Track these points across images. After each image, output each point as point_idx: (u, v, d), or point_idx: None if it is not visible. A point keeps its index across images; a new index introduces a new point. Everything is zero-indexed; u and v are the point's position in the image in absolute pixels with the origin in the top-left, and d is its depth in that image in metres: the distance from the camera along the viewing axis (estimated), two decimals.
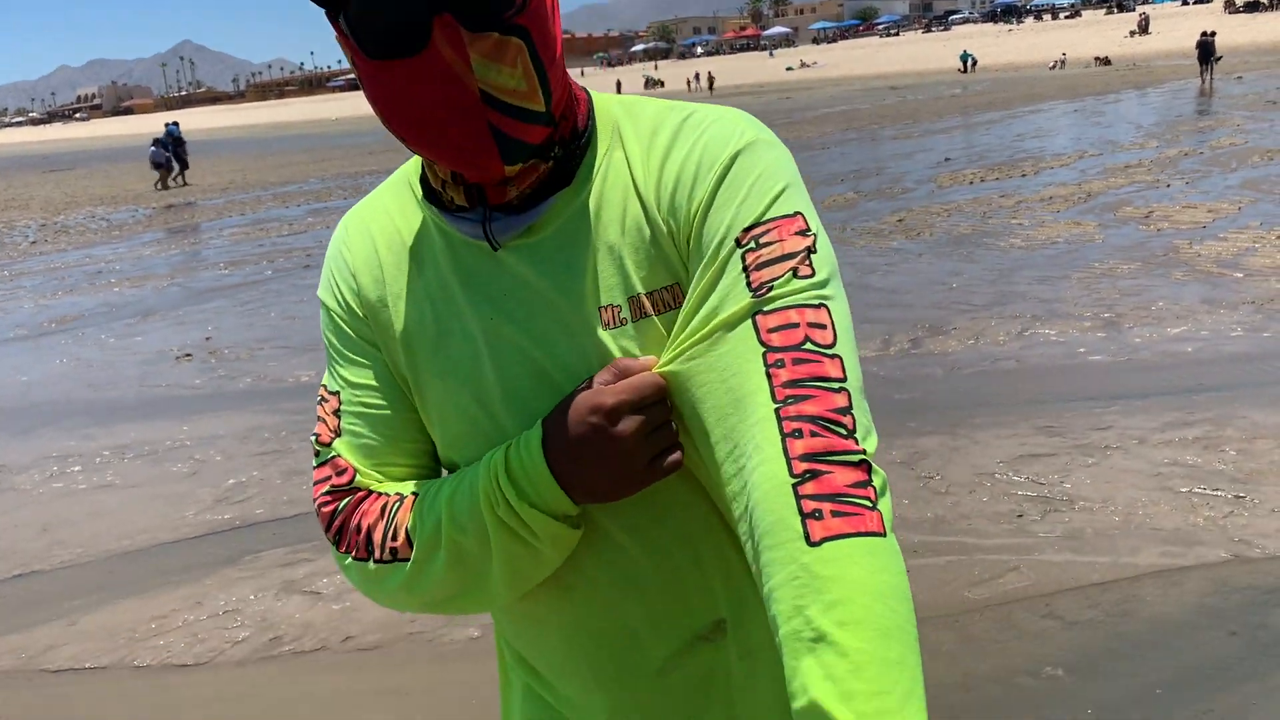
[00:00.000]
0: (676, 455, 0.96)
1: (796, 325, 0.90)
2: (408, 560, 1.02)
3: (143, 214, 20.24)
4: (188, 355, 7.93)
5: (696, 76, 65.83)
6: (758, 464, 0.85)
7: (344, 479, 1.06)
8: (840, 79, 60.32)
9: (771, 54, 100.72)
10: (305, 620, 3.73)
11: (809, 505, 0.81)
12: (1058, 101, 27.92)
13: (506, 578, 1.01)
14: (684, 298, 0.98)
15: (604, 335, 0.99)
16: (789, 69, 74.26)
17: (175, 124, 28.07)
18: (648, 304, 0.99)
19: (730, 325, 0.92)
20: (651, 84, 74.32)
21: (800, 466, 0.83)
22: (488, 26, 0.89)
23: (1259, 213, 9.76)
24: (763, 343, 0.89)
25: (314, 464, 1.10)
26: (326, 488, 1.07)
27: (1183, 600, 3.34)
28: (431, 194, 1.05)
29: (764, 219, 0.94)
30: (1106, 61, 47.63)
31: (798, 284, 0.91)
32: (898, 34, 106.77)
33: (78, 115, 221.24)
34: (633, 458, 0.94)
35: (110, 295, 11.12)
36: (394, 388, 1.08)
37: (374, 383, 1.08)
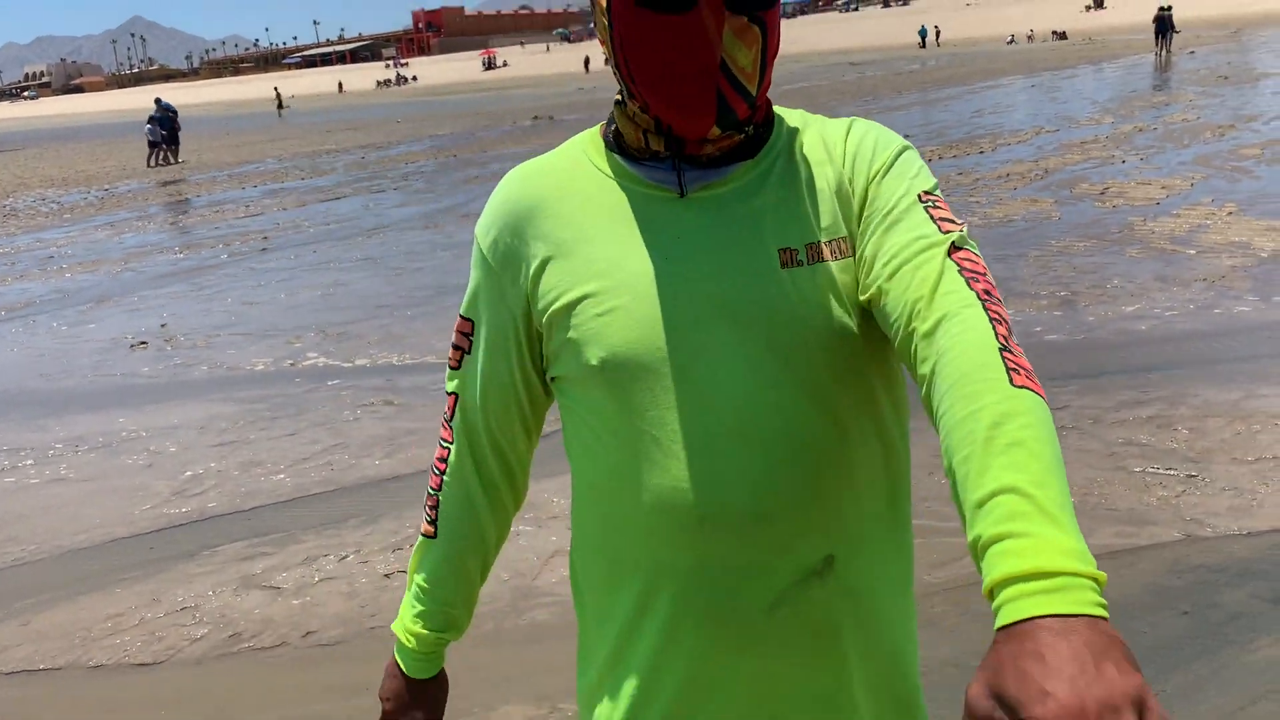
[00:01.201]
0: None
1: (977, 261, 1.06)
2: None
3: (95, 196, 19.87)
4: (143, 343, 7.82)
5: None
6: (966, 328, 0.96)
7: (449, 411, 1.31)
8: (800, 55, 60.29)
9: None
10: (265, 616, 3.69)
11: (1010, 362, 0.92)
12: (1015, 77, 28.09)
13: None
14: (853, 250, 1.13)
15: (781, 273, 1.12)
16: None
17: (159, 99, 27.84)
18: (825, 250, 1.13)
19: (929, 246, 1.05)
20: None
21: (1002, 340, 0.95)
22: (743, 10, 1.07)
23: (1210, 189, 9.91)
24: (958, 264, 1.03)
25: (447, 388, 1.32)
26: (445, 416, 1.32)
27: (1136, 581, 3.40)
28: (618, 148, 1.20)
29: (934, 191, 1.13)
30: (1063, 36, 48.00)
31: (970, 241, 1.08)
32: (857, 9, 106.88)
33: (26, 94, 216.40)
34: None
35: (62, 281, 10.92)
36: (518, 336, 1.23)
37: (505, 324, 1.23)
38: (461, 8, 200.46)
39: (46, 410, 6.38)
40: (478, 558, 1.35)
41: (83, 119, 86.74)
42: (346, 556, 4.07)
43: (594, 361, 1.14)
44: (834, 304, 1.12)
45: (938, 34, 56.81)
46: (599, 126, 1.25)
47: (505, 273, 1.22)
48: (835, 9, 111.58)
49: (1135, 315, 6.22)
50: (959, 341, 0.95)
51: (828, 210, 1.15)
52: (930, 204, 1.10)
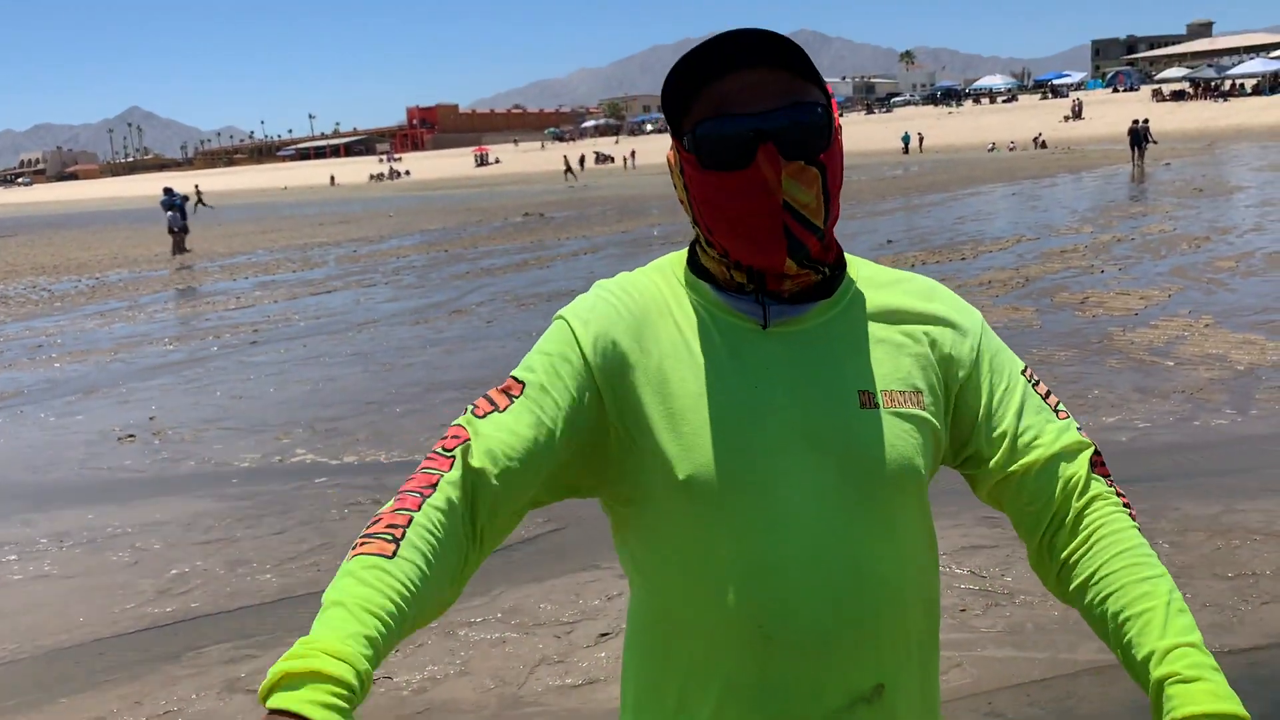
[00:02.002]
0: None
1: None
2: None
3: (86, 285, 19.99)
4: (130, 436, 7.82)
5: (632, 154, 67.07)
6: (1118, 510, 1.24)
7: (453, 443, 1.17)
8: None
9: None
10: None
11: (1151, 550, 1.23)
12: (996, 185, 28.77)
13: None
14: (924, 402, 1.26)
15: (861, 413, 1.23)
16: None
17: (170, 189, 28.06)
18: (900, 398, 1.25)
19: (1062, 432, 1.29)
20: (602, 159, 75.35)
21: (1140, 528, 1.25)
22: (798, 157, 1.19)
23: (1188, 300, 10.13)
24: (1094, 449, 1.29)
25: (458, 422, 1.20)
26: (440, 448, 1.17)
27: (1119, 698, 3.41)
28: (702, 275, 1.30)
29: (1024, 368, 1.34)
30: (1043, 145, 49.33)
31: None
32: (841, 115, 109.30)
33: (20, 180, 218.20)
34: None
35: (51, 370, 10.94)
36: (568, 421, 1.22)
37: (565, 401, 1.22)
38: (455, 105, 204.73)
39: (32, 504, 6.36)
40: (438, 598, 1.10)
41: (76, 206, 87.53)
42: None
43: (680, 477, 1.22)
44: (904, 446, 1.24)
45: (920, 140, 58.27)
46: (684, 252, 1.36)
47: (590, 361, 1.25)
48: None
49: (1116, 426, 6.33)
50: (1119, 521, 1.23)
51: (903, 364, 1.28)
52: (1034, 382, 1.33)
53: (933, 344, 1.30)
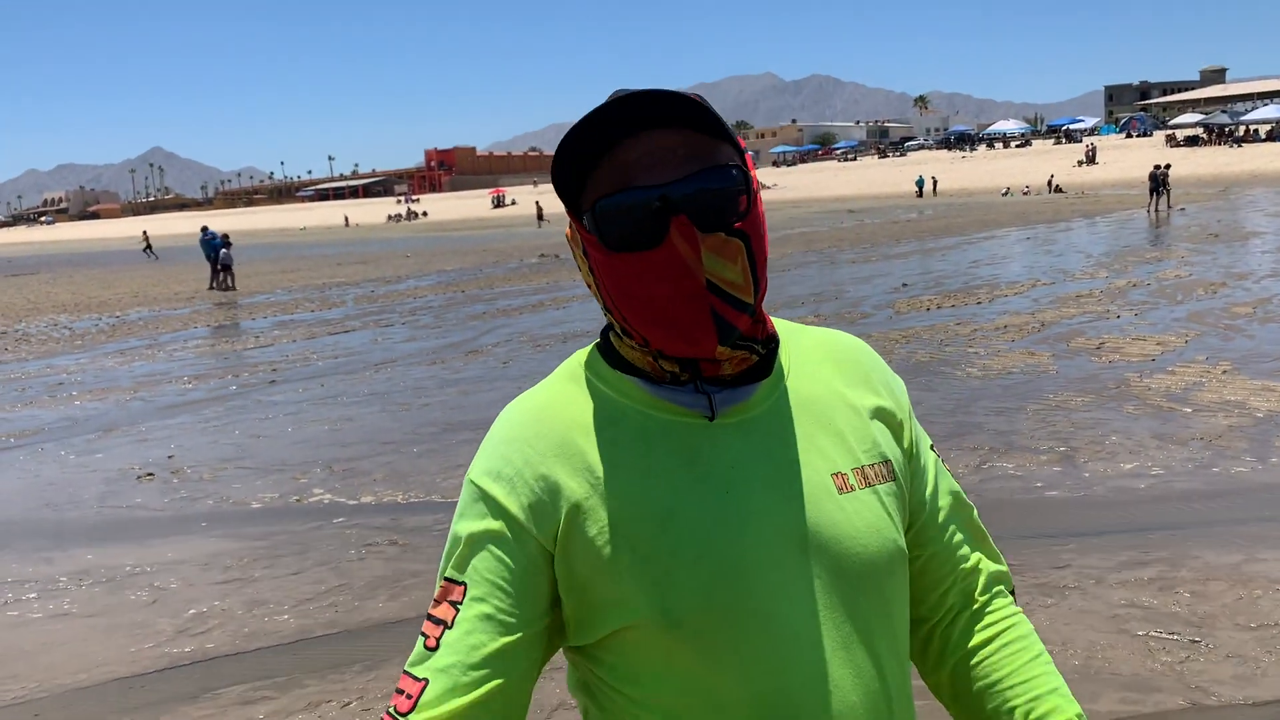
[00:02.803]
0: None
1: None
2: None
3: (106, 323, 20.17)
4: (149, 474, 7.86)
5: None
6: (1022, 618, 1.27)
7: (405, 704, 1.05)
8: (800, 201, 61.91)
9: None
10: None
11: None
12: (1011, 229, 28.80)
13: None
14: (894, 471, 1.18)
15: (841, 499, 1.11)
16: None
17: (207, 227, 28.84)
18: (871, 474, 1.15)
19: (972, 519, 1.29)
20: None
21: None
22: (716, 229, 1.05)
23: (1205, 346, 10.10)
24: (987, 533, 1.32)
25: (413, 673, 1.07)
26: (393, 709, 1.06)
27: None
28: (627, 370, 1.14)
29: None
30: (1059, 189, 49.45)
31: None
32: (855, 159, 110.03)
33: (44, 219, 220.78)
34: None
35: (71, 408, 11.02)
36: (538, 592, 1.08)
37: (520, 580, 1.07)
38: (473, 148, 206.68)
39: (52, 542, 6.39)
40: None
41: (96, 245, 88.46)
42: (349, 703, 4.05)
43: (660, 617, 1.05)
44: (888, 527, 1.13)
45: (934, 184, 58.51)
46: (588, 351, 1.20)
47: (526, 523, 1.08)
48: (834, 158, 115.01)
49: (1134, 473, 6.30)
50: (1026, 626, 1.25)
51: (866, 433, 1.17)
52: (938, 454, 1.28)
53: (888, 399, 1.22)
